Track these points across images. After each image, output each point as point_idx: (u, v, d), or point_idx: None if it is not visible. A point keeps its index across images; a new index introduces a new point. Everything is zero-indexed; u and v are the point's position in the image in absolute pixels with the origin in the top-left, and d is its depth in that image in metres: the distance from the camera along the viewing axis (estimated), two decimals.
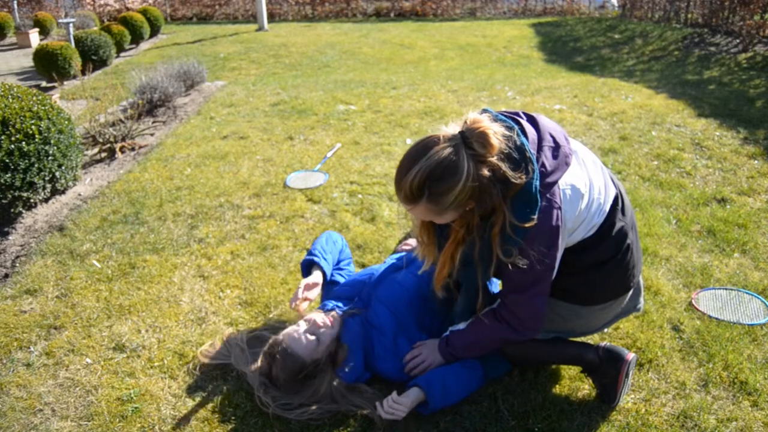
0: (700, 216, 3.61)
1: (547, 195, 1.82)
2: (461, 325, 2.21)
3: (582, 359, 2.21)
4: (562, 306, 2.13)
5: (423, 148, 1.75)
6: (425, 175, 1.72)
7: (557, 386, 2.29)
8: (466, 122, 1.78)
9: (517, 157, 1.77)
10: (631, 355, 2.14)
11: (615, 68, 9.25)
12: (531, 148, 1.81)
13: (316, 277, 2.61)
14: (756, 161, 4.45)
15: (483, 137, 1.72)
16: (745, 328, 2.60)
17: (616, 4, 15.67)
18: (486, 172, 1.73)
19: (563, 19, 15.22)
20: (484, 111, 1.91)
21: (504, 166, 1.74)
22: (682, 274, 3.02)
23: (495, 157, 1.74)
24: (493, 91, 6.78)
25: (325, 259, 2.69)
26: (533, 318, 2.02)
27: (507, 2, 16.89)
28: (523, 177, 1.76)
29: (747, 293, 2.86)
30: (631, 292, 2.18)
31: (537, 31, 13.37)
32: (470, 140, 1.73)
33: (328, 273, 2.69)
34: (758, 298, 2.81)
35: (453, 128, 1.78)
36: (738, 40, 9.65)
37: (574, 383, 2.30)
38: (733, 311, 2.72)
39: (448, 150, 1.72)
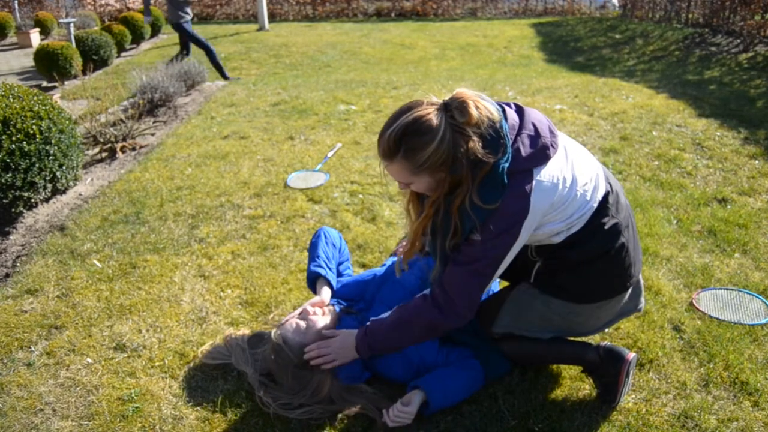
0: (701, 216, 3.61)
1: (518, 180, 1.83)
2: (384, 314, 2.16)
3: (582, 359, 2.21)
4: (558, 303, 2.13)
5: (407, 108, 1.85)
6: (403, 129, 1.80)
7: (558, 386, 2.29)
8: (453, 95, 1.85)
9: (493, 138, 1.82)
10: (631, 355, 2.14)
11: (616, 68, 9.25)
12: (510, 132, 1.86)
13: (325, 295, 2.52)
14: (757, 161, 4.45)
15: (463, 106, 1.80)
16: (745, 329, 2.60)
17: (616, 4, 15.67)
18: (461, 141, 1.80)
19: (564, 19, 15.22)
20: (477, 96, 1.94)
21: (477, 143, 1.80)
22: (683, 274, 3.02)
23: (471, 129, 1.80)
24: (494, 91, 6.78)
25: (330, 269, 2.62)
26: (465, 299, 1.95)
27: (508, 2, 16.88)
28: (492, 157, 1.80)
29: (748, 293, 2.85)
30: (629, 292, 2.18)
31: (538, 31, 13.36)
32: (451, 107, 1.81)
33: (335, 286, 2.62)
34: (759, 298, 2.81)
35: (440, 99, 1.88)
36: (739, 40, 9.65)
37: (575, 383, 2.30)
38: (734, 311, 2.72)
39: (429, 111, 1.81)
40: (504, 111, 1.91)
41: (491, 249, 1.88)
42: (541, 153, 1.86)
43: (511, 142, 1.84)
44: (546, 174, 1.86)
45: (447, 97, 1.86)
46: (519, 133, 1.88)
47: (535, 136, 1.88)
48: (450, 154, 1.80)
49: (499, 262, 1.91)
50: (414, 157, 1.81)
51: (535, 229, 1.93)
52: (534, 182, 1.84)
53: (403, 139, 1.80)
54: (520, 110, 1.95)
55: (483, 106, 1.82)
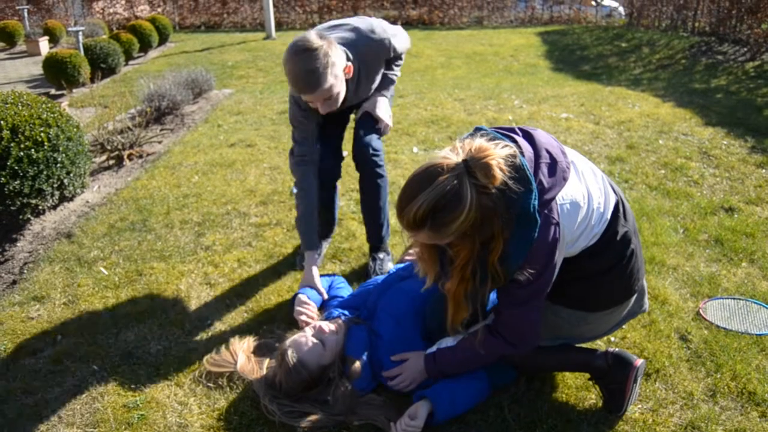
0: (708, 225, 3.59)
1: (545, 212, 1.82)
2: (450, 341, 2.20)
3: (590, 365, 2.21)
4: (569, 313, 2.13)
5: (428, 178, 1.74)
6: (430, 206, 1.71)
7: (564, 396, 2.28)
8: (470, 150, 1.75)
9: (518, 179, 1.76)
10: (639, 361, 2.13)
11: (622, 77, 9.24)
12: (529, 165, 1.80)
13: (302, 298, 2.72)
14: (764, 170, 4.43)
15: (487, 168, 1.71)
16: (753, 338, 2.58)
17: (623, 13, 15.67)
18: (488, 201, 1.73)
19: (570, 27, 15.22)
20: (478, 129, 1.91)
21: (506, 193, 1.75)
22: (690, 284, 3.00)
23: (496, 188, 1.73)
24: (500, 100, 6.78)
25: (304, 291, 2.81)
26: (530, 331, 2.03)
27: (514, 11, 16.90)
28: (521, 203, 1.76)
29: (755, 303, 2.84)
30: (636, 295, 2.19)
31: (544, 40, 13.37)
32: (473, 170, 1.72)
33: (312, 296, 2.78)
34: (766, 307, 2.80)
35: (456, 154, 1.77)
36: (745, 49, 9.63)
37: (581, 393, 2.29)
38: (741, 321, 2.70)
39: (453, 181, 1.71)
40: (515, 142, 1.86)
41: (540, 285, 1.91)
42: (561, 178, 1.86)
43: (533, 176, 1.80)
44: (567, 196, 1.86)
45: (466, 152, 1.75)
46: (537, 164, 1.84)
47: (552, 163, 1.86)
48: (479, 218, 1.74)
49: (548, 289, 1.96)
50: (443, 230, 1.76)
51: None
52: (559, 208, 1.85)
53: (429, 215, 1.73)
54: (529, 137, 1.92)
55: (503, 155, 1.76)
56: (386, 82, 3.10)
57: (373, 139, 3.00)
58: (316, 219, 2.99)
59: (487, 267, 1.86)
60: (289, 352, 2.27)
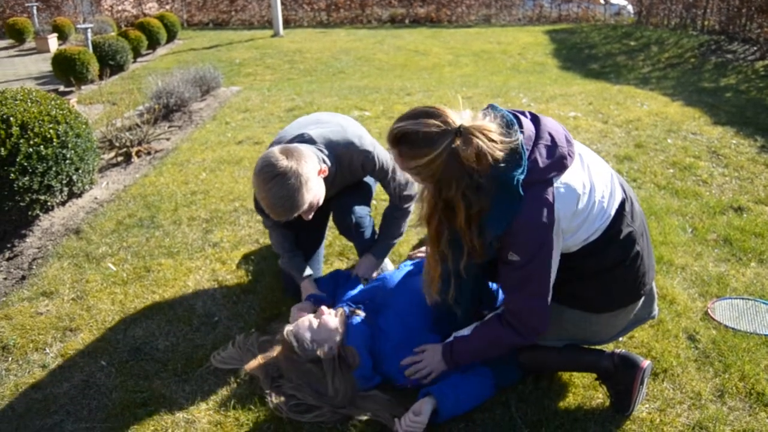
0: (717, 224, 3.58)
1: (537, 191, 1.83)
2: (465, 331, 2.20)
3: (596, 366, 2.20)
4: (572, 313, 2.13)
5: (425, 113, 1.84)
6: (404, 133, 1.83)
7: (571, 395, 2.28)
8: (474, 123, 1.81)
9: (508, 152, 1.82)
10: (646, 363, 2.12)
11: (630, 75, 9.21)
12: (526, 143, 1.86)
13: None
14: None
15: (469, 143, 1.77)
16: (761, 339, 2.57)
17: (631, 11, 15.61)
18: (456, 168, 1.79)
19: (578, 26, 15.18)
20: (490, 106, 1.94)
21: (473, 180, 1.81)
22: (698, 283, 2.99)
23: (471, 164, 1.79)
24: (508, 98, 6.77)
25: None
26: (535, 320, 2.01)
27: (522, 9, 16.87)
28: (507, 171, 1.80)
29: (764, 303, 2.82)
30: (642, 300, 2.17)
31: (552, 38, 13.34)
32: (462, 135, 1.78)
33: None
34: None
35: (462, 116, 1.83)
36: (755, 48, 9.57)
37: (588, 392, 2.28)
38: (750, 321, 2.69)
39: (436, 130, 1.79)
40: (519, 121, 1.91)
41: (535, 267, 1.91)
42: (559, 162, 1.87)
43: (527, 153, 1.85)
44: (565, 180, 1.87)
45: (470, 119, 1.82)
46: (536, 143, 1.88)
47: (552, 146, 1.89)
48: (439, 174, 1.82)
49: (548, 276, 1.94)
50: (405, 159, 1.86)
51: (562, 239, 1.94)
52: (554, 190, 1.85)
53: (401, 140, 1.84)
54: (535, 119, 1.96)
55: (492, 145, 1.79)
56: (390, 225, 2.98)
57: (356, 208, 2.87)
58: (300, 255, 2.87)
59: (456, 230, 1.90)
60: (286, 328, 2.37)
